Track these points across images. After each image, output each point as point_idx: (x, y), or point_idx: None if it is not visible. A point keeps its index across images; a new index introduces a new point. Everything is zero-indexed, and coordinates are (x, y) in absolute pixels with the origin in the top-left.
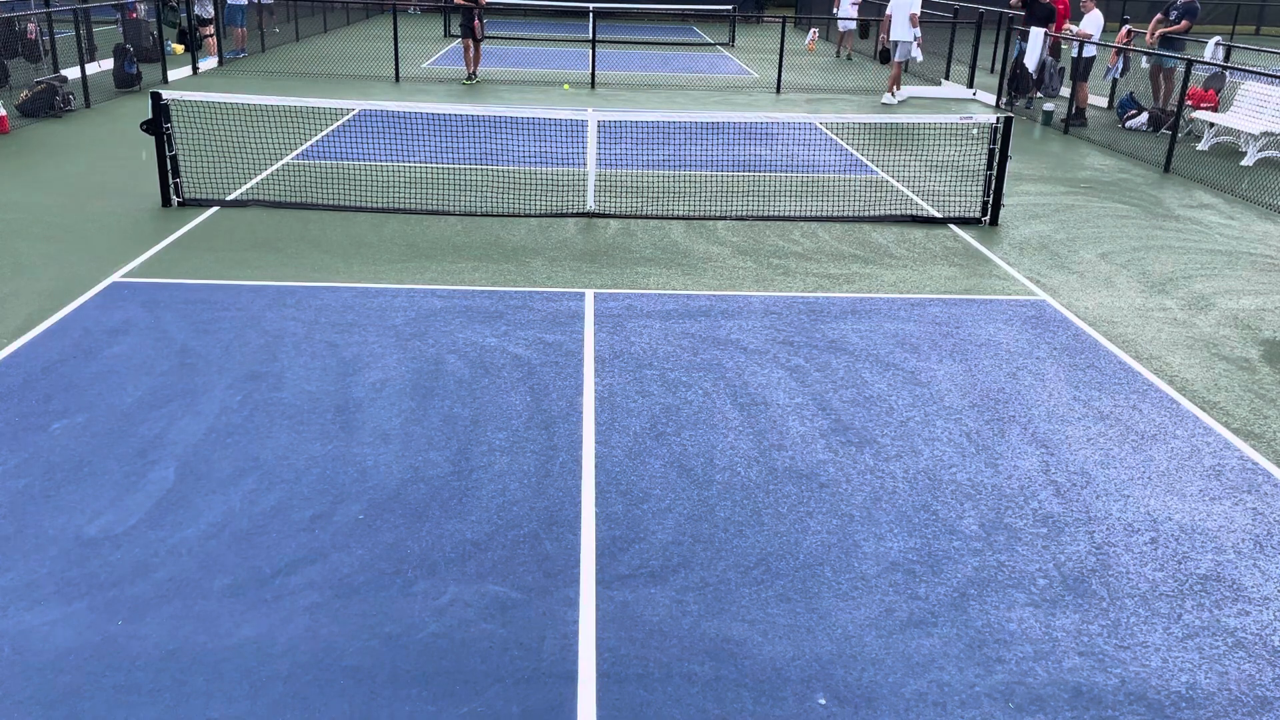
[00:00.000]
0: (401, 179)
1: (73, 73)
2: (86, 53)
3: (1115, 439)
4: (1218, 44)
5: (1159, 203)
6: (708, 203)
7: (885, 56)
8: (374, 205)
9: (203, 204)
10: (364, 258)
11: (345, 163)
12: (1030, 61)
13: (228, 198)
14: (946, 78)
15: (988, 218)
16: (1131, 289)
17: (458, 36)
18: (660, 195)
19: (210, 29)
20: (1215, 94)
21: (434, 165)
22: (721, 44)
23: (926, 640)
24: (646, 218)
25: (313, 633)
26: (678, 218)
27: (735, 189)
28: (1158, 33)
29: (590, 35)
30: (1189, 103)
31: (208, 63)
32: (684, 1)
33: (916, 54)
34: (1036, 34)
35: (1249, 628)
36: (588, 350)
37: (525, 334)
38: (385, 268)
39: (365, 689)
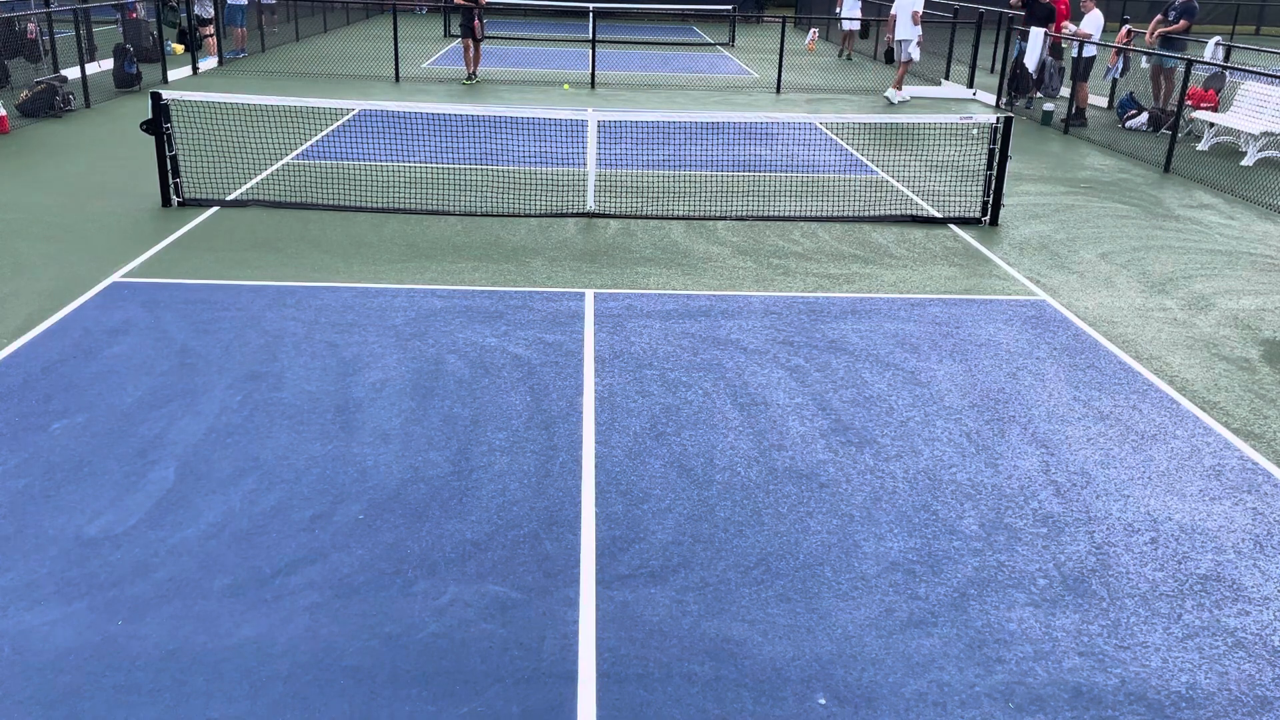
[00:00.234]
0: (401, 179)
1: (73, 73)
2: (86, 53)
3: (1115, 439)
4: (1218, 44)
5: (1159, 203)
6: (708, 203)
7: (890, 56)
8: (374, 205)
9: (203, 204)
10: (364, 258)
11: (345, 163)
12: (1030, 61)
13: (228, 198)
14: (946, 78)
15: (988, 218)
16: (1131, 289)
17: (458, 36)
18: (660, 195)
19: (210, 29)
20: (1215, 94)
21: (434, 165)
22: (721, 44)
23: (926, 640)
24: (646, 218)
25: (313, 633)
26: (678, 218)
27: (735, 189)
28: (1157, 33)
29: (590, 35)
30: (1189, 103)
31: (208, 63)
32: (684, 1)
33: (915, 52)
34: (1036, 34)
35: (1249, 628)
36: (588, 350)
37: (525, 334)
38: (385, 268)
39: (365, 689)
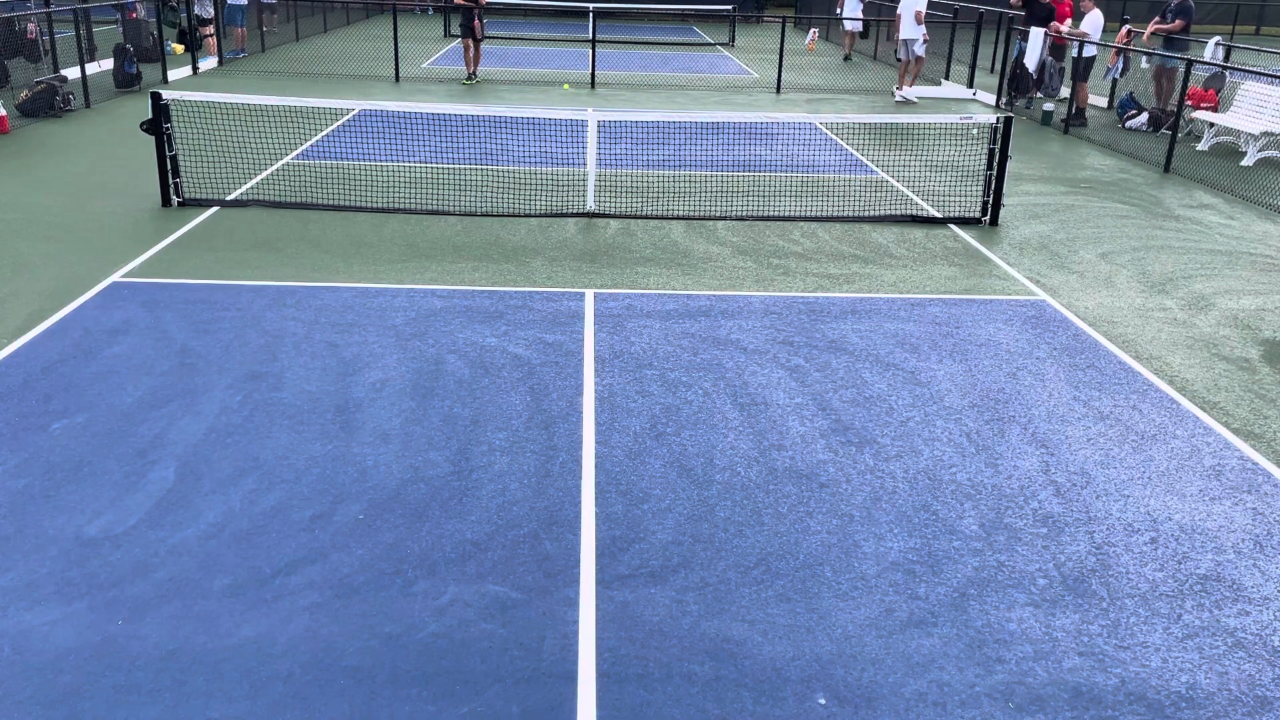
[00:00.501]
0: (401, 179)
1: (73, 73)
2: (86, 53)
3: (1115, 439)
4: (1218, 44)
5: (1159, 203)
6: (708, 203)
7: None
8: (374, 205)
9: (203, 204)
10: (364, 258)
11: (345, 163)
12: (1030, 61)
13: (228, 198)
14: (946, 78)
15: (988, 218)
16: (1131, 289)
17: (458, 36)
18: (660, 195)
19: (210, 29)
20: (1215, 94)
21: (434, 165)
22: (721, 44)
23: (926, 640)
24: (646, 218)
25: (313, 633)
26: (678, 218)
27: (735, 189)
28: (1151, 30)
29: (590, 35)
30: (1189, 103)
31: (208, 63)
32: (684, 1)
33: (921, 50)
34: (1036, 34)
35: (1249, 628)
36: (588, 350)
37: (525, 334)
38: (385, 268)
39: (365, 689)
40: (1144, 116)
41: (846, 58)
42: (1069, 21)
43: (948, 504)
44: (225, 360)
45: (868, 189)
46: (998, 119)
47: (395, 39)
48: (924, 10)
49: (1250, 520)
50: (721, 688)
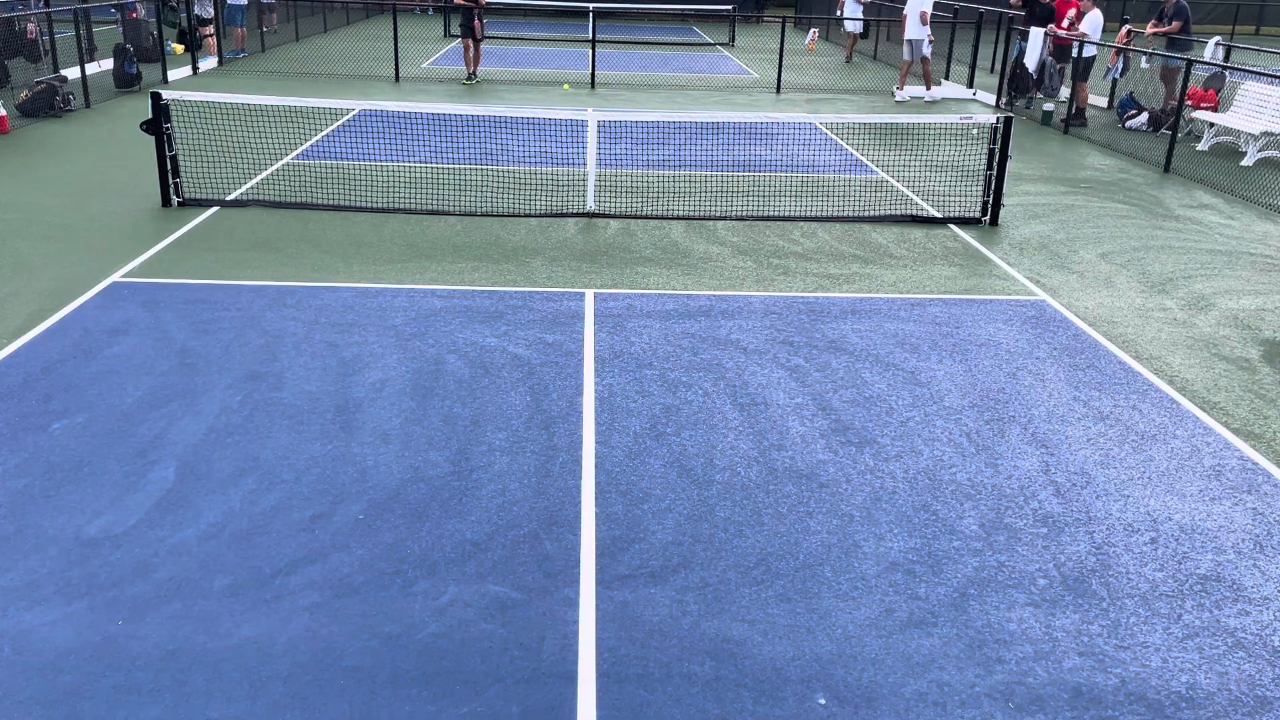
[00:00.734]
0: (401, 179)
1: (73, 73)
2: (86, 53)
3: (1115, 439)
4: (1218, 44)
5: (1159, 203)
6: (708, 203)
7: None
8: (374, 205)
9: (203, 204)
10: (364, 258)
11: (345, 163)
12: (1030, 61)
13: (228, 198)
14: (946, 78)
15: (988, 218)
16: (1131, 289)
17: (458, 36)
18: (660, 195)
19: (210, 29)
20: (1215, 94)
21: (434, 165)
22: (721, 44)
23: (926, 640)
24: (646, 218)
25: (313, 633)
26: (678, 218)
27: (735, 189)
28: (1150, 32)
29: (590, 35)
30: (1189, 103)
31: (208, 63)
32: (684, 1)
33: (927, 50)
34: (1036, 34)
35: (1249, 628)
36: (588, 350)
37: (525, 334)
38: (385, 268)
39: (365, 689)
40: (1144, 116)
41: (848, 59)
42: (1072, 12)
43: (948, 504)
44: (225, 360)
45: (868, 189)
46: (998, 119)
47: (395, 39)
48: (929, 11)
49: (1250, 520)
50: (721, 688)
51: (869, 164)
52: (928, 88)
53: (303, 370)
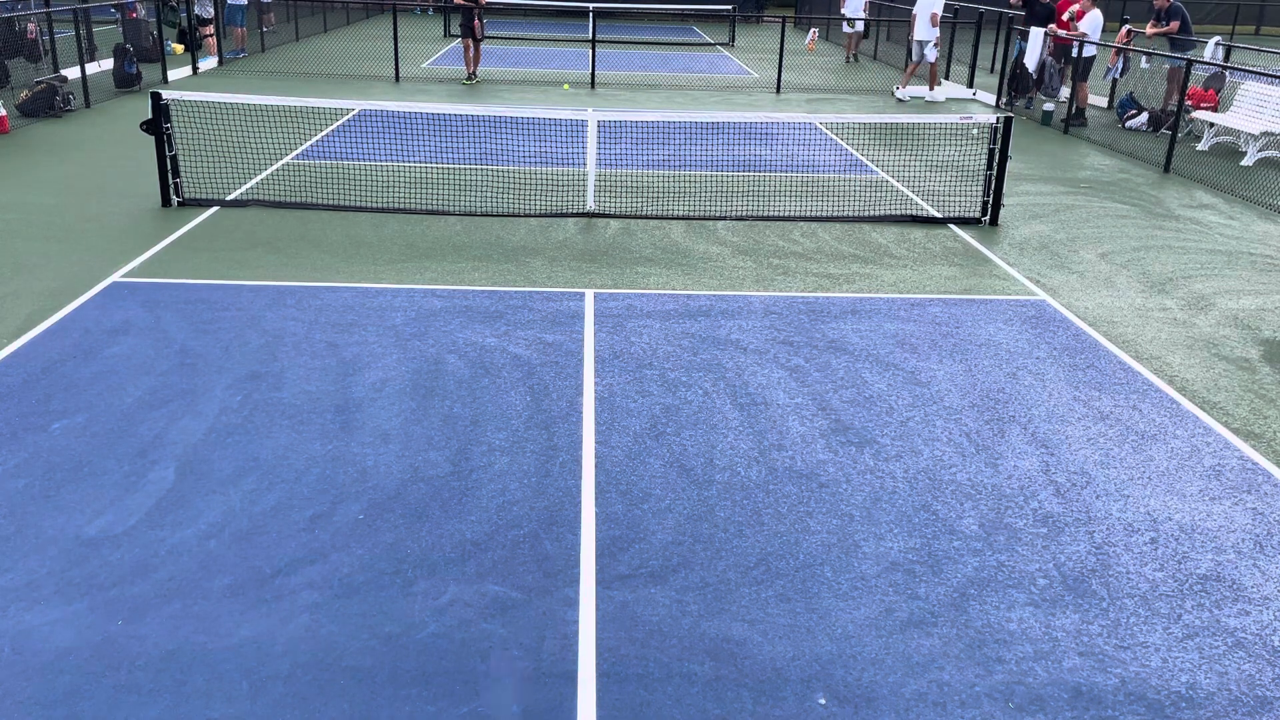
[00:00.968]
0: (401, 179)
1: (73, 73)
2: (86, 53)
3: (1115, 439)
4: (1218, 44)
5: (1159, 203)
6: (708, 203)
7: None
8: (374, 205)
9: (203, 204)
10: (364, 258)
11: (345, 163)
12: (1030, 61)
13: (227, 198)
14: (946, 77)
15: (988, 218)
16: (1131, 289)
17: (458, 36)
18: (660, 195)
19: (210, 29)
20: (1215, 94)
21: (434, 165)
22: (721, 44)
23: (926, 640)
24: (646, 218)
25: (313, 633)
26: (678, 218)
27: (735, 189)
28: (1150, 33)
29: (590, 35)
30: (1189, 103)
31: (208, 63)
32: (684, 1)
33: (932, 53)
34: (1036, 34)
35: (1249, 628)
36: (588, 350)
37: (525, 334)
38: (385, 268)
39: (365, 689)
40: (1144, 116)
41: (852, 59)
42: (1072, 8)
43: (948, 504)
44: (225, 360)
45: (868, 189)
46: (998, 119)
47: (395, 39)
48: (939, 13)
49: (1250, 520)
50: (721, 688)
51: (869, 164)
52: (931, 88)
53: (303, 370)
